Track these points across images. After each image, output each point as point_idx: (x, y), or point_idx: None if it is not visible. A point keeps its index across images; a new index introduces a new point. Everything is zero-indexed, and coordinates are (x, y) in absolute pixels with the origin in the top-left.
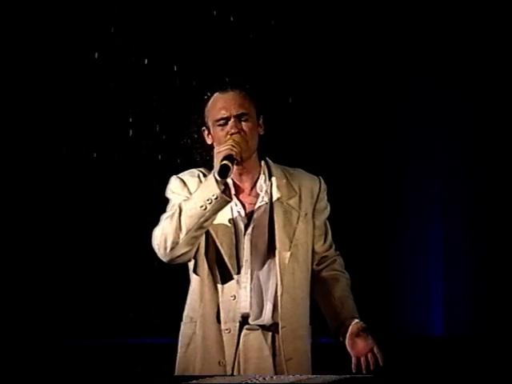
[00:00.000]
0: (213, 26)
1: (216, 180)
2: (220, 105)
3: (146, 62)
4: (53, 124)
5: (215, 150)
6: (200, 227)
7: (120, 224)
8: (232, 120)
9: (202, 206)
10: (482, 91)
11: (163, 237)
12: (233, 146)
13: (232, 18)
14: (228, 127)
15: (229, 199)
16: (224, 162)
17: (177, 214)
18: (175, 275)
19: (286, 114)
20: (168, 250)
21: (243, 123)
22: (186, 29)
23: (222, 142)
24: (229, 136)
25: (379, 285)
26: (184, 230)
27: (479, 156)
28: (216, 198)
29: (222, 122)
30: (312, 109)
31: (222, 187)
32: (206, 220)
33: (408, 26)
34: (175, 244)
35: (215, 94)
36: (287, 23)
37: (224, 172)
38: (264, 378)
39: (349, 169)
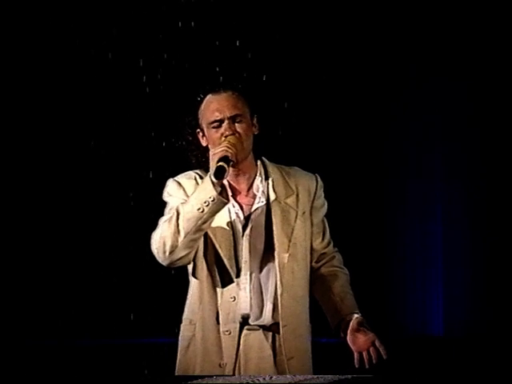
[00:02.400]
0: (207, 27)
1: (212, 182)
2: (213, 107)
3: (140, 63)
4: (51, 127)
5: (210, 152)
6: (198, 230)
7: (120, 225)
8: (226, 122)
9: (199, 209)
10: (482, 91)
11: (162, 241)
12: (228, 147)
13: (226, 18)
14: (222, 129)
15: (226, 201)
16: (220, 163)
17: (174, 218)
18: (176, 275)
19: (284, 112)
20: (167, 253)
21: (237, 124)
22: (180, 29)
23: (216, 144)
24: (223, 138)
25: (379, 285)
26: (182, 234)
27: (479, 156)
28: (213, 200)
29: (215, 124)
30: (311, 108)
31: (219, 189)
32: (204, 222)
33: (407, 25)
34: (174, 247)
35: (208, 96)
36: (283, 21)
37: (220, 173)
38: (265, 379)
39: (349, 168)
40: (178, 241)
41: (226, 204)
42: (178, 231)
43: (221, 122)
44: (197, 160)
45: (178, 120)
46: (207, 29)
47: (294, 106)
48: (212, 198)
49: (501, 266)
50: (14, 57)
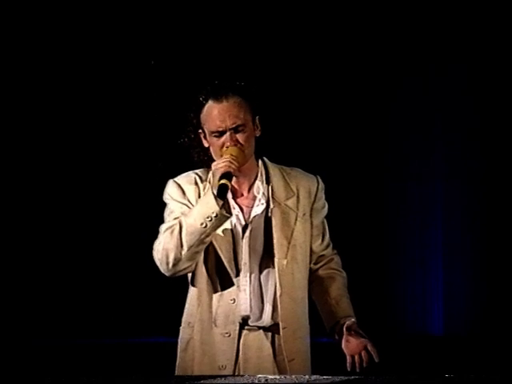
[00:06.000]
0: (209, 24)
1: (215, 197)
2: (215, 116)
3: (140, 60)
4: (51, 127)
5: (213, 165)
6: (201, 243)
7: (122, 226)
8: (228, 133)
9: (202, 224)
10: (482, 91)
11: (165, 252)
12: (230, 162)
13: (228, 16)
14: (224, 139)
15: (228, 215)
16: (222, 181)
17: (177, 231)
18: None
19: (284, 112)
20: (170, 265)
21: (239, 134)
22: (182, 26)
23: (217, 153)
24: (225, 148)
25: (379, 284)
26: (185, 247)
27: (479, 156)
28: (216, 216)
29: (217, 133)
30: (312, 109)
31: (221, 203)
32: (207, 236)
33: (406, 25)
34: (177, 260)
35: (210, 102)
36: (284, 21)
37: (222, 192)
38: (266, 379)
39: (350, 168)
40: (181, 254)
41: (228, 218)
42: (181, 244)
43: (222, 132)
44: (198, 157)
45: (179, 117)
46: (209, 27)
47: (295, 107)
48: (215, 214)
49: (501, 266)
50: (14, 57)
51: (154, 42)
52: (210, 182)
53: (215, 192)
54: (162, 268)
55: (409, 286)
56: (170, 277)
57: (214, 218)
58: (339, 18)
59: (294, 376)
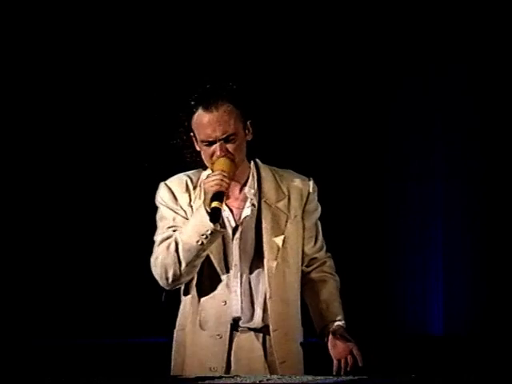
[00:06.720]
0: (203, 24)
1: (208, 214)
2: (205, 126)
3: (136, 61)
4: (47, 127)
5: (204, 181)
6: (198, 257)
7: (122, 225)
8: (218, 144)
9: (197, 242)
10: (482, 91)
11: (163, 268)
12: (222, 180)
13: (222, 16)
14: (214, 148)
15: (223, 231)
16: (214, 204)
17: (173, 247)
18: None
19: (284, 112)
20: (170, 280)
21: (229, 144)
22: (177, 26)
23: (208, 160)
24: (215, 157)
25: (379, 284)
26: (184, 263)
27: (479, 156)
28: (211, 233)
29: (207, 143)
30: (310, 110)
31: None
32: (204, 251)
33: (407, 24)
34: (177, 275)
35: (200, 111)
36: (282, 20)
37: (215, 216)
38: (261, 380)
39: (349, 169)
40: (180, 269)
41: (223, 233)
42: (179, 261)
43: (212, 142)
44: (191, 158)
45: (172, 118)
46: (204, 27)
47: (294, 107)
48: (210, 232)
49: (501, 266)
50: (14, 57)
51: (150, 41)
52: (200, 186)
53: (208, 209)
54: (162, 283)
55: (409, 286)
56: (170, 290)
57: (209, 236)
58: (339, 17)
59: (284, 377)
